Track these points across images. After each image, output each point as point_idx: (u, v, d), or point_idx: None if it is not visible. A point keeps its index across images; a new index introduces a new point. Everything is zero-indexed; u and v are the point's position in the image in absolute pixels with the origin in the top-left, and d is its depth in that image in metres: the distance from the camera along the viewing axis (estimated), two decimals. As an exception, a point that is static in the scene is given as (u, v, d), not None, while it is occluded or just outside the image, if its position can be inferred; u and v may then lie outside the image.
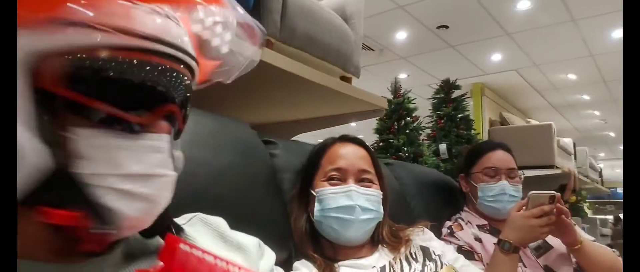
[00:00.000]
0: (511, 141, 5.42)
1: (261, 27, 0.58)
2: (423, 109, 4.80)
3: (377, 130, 3.72)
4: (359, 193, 0.90)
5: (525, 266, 1.17)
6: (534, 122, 6.88)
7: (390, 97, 3.84)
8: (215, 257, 0.46)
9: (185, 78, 0.45)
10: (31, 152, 0.37)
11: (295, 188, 0.95)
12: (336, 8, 1.93)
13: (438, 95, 4.82)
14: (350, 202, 0.89)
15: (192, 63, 0.46)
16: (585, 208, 7.40)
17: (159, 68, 0.42)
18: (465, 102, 4.79)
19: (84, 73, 0.38)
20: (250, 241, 0.62)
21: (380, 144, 3.69)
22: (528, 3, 3.98)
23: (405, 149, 3.53)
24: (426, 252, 0.95)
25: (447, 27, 4.51)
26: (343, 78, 1.83)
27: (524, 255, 1.19)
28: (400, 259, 0.90)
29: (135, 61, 0.40)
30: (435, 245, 0.98)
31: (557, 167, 5.32)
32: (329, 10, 1.76)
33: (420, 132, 3.79)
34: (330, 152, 0.96)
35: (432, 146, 4.48)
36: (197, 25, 0.48)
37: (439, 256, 0.95)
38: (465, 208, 1.36)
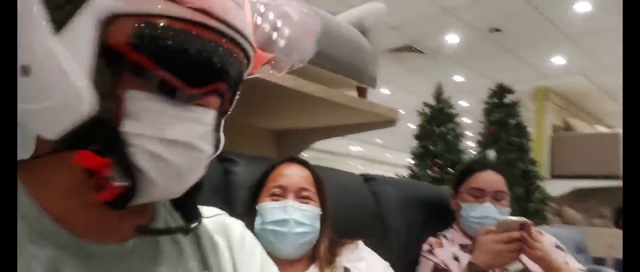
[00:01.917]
0: (574, 148, 5.09)
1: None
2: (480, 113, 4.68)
3: (417, 136, 3.70)
4: (295, 208, 0.97)
5: (503, 291, 1.16)
6: (602, 129, 6.40)
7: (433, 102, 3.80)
8: None
9: (240, 61, 0.46)
10: (85, 100, 0.39)
11: (244, 205, 1.04)
12: (355, 21, 1.98)
13: (490, 100, 4.67)
14: (285, 215, 0.95)
15: (249, 49, 0.47)
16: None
17: (218, 46, 0.43)
18: (519, 108, 4.60)
19: (149, 38, 0.40)
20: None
21: (420, 149, 3.67)
22: (588, 5, 3.74)
23: (444, 155, 3.48)
24: None
25: (499, 30, 4.34)
26: (358, 88, 1.88)
27: (502, 279, 1.19)
28: None
29: (195, 34, 0.42)
30: (361, 266, 1.02)
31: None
32: (340, 24, 1.81)
33: (461, 139, 3.71)
34: (276, 172, 1.03)
35: (482, 153, 4.36)
36: (259, 16, 0.51)
37: None
38: (454, 225, 1.37)
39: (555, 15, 3.99)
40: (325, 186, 1.06)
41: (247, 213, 1.01)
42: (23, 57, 0.39)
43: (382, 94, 6.75)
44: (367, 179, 1.45)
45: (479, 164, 1.37)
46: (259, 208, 0.99)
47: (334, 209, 1.07)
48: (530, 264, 1.22)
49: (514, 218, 1.11)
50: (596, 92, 6.39)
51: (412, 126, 3.91)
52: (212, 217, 0.59)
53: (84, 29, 0.39)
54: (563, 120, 6.59)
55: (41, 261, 0.41)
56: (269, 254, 0.96)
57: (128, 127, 0.41)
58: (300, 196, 1.00)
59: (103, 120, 0.40)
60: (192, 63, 0.42)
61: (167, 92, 0.42)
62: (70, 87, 0.39)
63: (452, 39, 4.69)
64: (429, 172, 3.48)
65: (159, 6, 0.40)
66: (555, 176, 5.88)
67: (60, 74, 0.39)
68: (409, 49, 4.94)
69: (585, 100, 6.85)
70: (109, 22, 0.39)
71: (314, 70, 1.69)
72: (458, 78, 6.02)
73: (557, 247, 1.31)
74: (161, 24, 0.40)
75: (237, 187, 1.06)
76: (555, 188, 5.27)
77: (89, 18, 0.39)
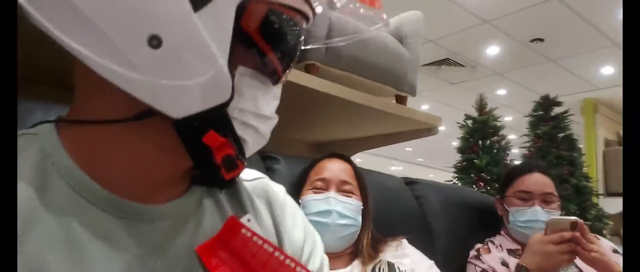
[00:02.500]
0: (630, 163, 4.82)
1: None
2: (525, 128, 4.53)
3: (459, 150, 3.60)
4: (337, 200, 0.97)
5: (557, 297, 1.09)
6: (660, 142, 6.00)
7: (476, 114, 3.70)
8: (275, 248, 0.48)
9: None
10: (228, 83, 0.40)
11: None
12: (392, 29, 1.98)
13: (536, 113, 4.52)
14: (328, 207, 0.96)
15: None
16: None
17: (303, 32, 0.47)
18: (567, 121, 4.41)
19: (273, 24, 0.42)
20: (297, 240, 0.56)
21: (463, 163, 3.57)
22: (636, 10, 3.57)
23: (489, 168, 3.37)
24: (391, 268, 0.96)
25: (542, 40, 4.21)
26: (398, 97, 1.86)
27: (558, 285, 1.12)
28: None
29: (299, 23, 0.45)
30: (406, 262, 0.99)
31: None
32: (378, 32, 1.81)
33: (507, 152, 3.58)
34: (318, 166, 1.05)
35: (529, 165, 4.18)
36: None
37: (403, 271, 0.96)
38: (502, 231, 1.31)
39: (600, 22, 3.84)
40: (366, 180, 1.05)
41: None
42: (153, 27, 0.37)
43: (421, 110, 6.66)
44: (409, 182, 1.42)
45: (525, 167, 1.31)
46: (302, 201, 1.00)
47: (377, 211, 1.05)
48: (586, 269, 1.15)
49: (565, 217, 1.05)
50: (651, 102, 6.05)
51: (455, 144, 3.83)
52: (252, 180, 0.57)
53: (225, 9, 0.39)
54: (616, 133, 6.26)
55: (86, 223, 0.40)
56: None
57: (233, 102, 0.42)
58: (343, 189, 1.00)
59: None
60: (293, 50, 0.46)
61: (268, 73, 0.45)
62: (216, 69, 0.39)
63: (492, 50, 4.59)
64: (474, 187, 3.36)
65: None
66: (610, 194, 5.57)
67: (207, 54, 0.38)
68: (447, 62, 4.88)
69: (639, 112, 6.48)
70: (245, 5, 0.40)
71: (353, 78, 1.69)
72: (500, 91, 5.87)
73: (615, 251, 1.23)
74: (283, 13, 0.43)
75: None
76: (612, 206, 4.99)
77: (231, 0, 0.39)
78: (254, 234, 0.47)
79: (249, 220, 0.50)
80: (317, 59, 1.54)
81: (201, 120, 0.40)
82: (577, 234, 1.02)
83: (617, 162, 5.70)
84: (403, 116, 1.76)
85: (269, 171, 1.09)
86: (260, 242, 0.47)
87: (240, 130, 0.43)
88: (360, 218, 1.00)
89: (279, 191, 0.60)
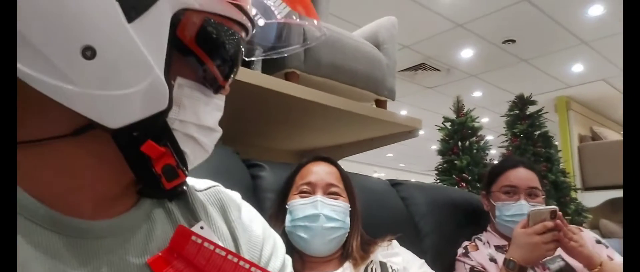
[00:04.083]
0: (604, 157, 4.91)
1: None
2: (501, 128, 4.62)
3: (440, 152, 3.65)
4: (324, 203, 0.97)
5: (545, 288, 1.11)
6: (631, 135, 6.17)
7: (454, 116, 3.76)
8: (227, 252, 0.47)
9: None
10: (165, 91, 0.41)
11: (274, 206, 1.03)
12: (369, 35, 2.00)
13: (512, 112, 4.61)
14: (315, 211, 0.95)
15: None
16: None
17: (242, 40, 0.48)
18: (543, 118, 4.52)
19: (210, 34, 0.43)
20: (256, 243, 0.57)
21: (444, 165, 3.61)
22: (601, 8, 3.70)
23: (470, 169, 3.41)
24: (384, 268, 0.97)
25: (513, 41, 4.32)
26: (378, 102, 1.88)
27: (544, 276, 1.14)
28: None
29: (237, 33, 0.47)
30: (397, 260, 0.99)
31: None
32: (356, 38, 1.83)
33: (486, 152, 3.64)
34: (304, 170, 1.04)
35: (508, 165, 4.26)
36: None
37: (396, 270, 0.96)
38: (488, 227, 1.33)
39: (568, 21, 3.96)
40: (352, 183, 1.05)
41: (277, 213, 1.01)
42: (85, 38, 0.37)
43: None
44: (394, 184, 1.43)
45: (510, 162, 1.34)
46: (288, 206, 0.99)
47: (364, 213, 1.06)
48: (572, 261, 1.17)
49: (545, 207, 1.08)
50: (620, 97, 6.24)
51: (434, 148, 3.87)
52: (206, 189, 0.57)
53: (160, 20, 0.40)
54: (589, 129, 6.42)
55: (30, 242, 0.39)
56: (301, 253, 0.96)
57: (173, 113, 0.43)
58: (329, 192, 1.00)
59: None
60: (232, 59, 0.46)
61: (209, 83, 0.46)
62: (152, 78, 0.39)
63: (466, 53, 4.68)
64: (457, 188, 3.41)
65: (221, 6, 0.44)
66: (587, 188, 5.70)
67: (142, 63, 0.39)
68: (423, 67, 4.95)
69: (610, 107, 6.68)
70: (180, 15, 0.41)
71: (333, 84, 1.70)
72: (476, 94, 5.98)
73: (598, 242, 1.26)
74: (220, 23, 0.44)
75: (264, 190, 1.06)
76: (589, 200, 5.10)
77: (166, 10, 0.40)
78: (204, 240, 0.47)
79: (201, 227, 0.50)
80: (296, 67, 1.54)
81: (140, 130, 0.41)
82: (559, 221, 1.05)
83: (592, 157, 5.84)
84: (384, 120, 1.78)
85: (255, 179, 1.08)
86: (211, 247, 0.47)
87: (181, 142, 0.44)
88: (348, 220, 0.99)
89: (233, 197, 0.60)
